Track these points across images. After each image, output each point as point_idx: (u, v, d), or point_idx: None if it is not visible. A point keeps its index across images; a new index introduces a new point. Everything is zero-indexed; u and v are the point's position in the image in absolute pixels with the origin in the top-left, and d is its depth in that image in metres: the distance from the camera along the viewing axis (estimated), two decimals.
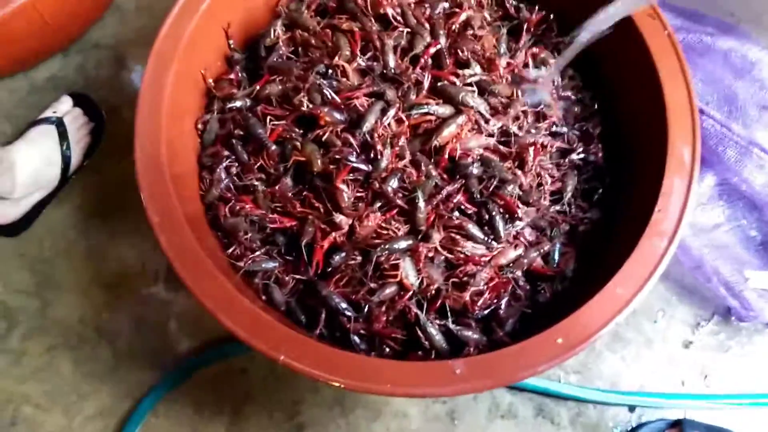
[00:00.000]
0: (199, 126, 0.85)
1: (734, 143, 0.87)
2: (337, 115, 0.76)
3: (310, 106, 0.77)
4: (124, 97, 1.06)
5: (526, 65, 0.84)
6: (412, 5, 0.84)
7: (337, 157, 0.74)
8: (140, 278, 0.92)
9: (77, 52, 1.08)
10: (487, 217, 0.74)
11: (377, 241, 0.72)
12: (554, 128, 0.82)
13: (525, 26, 0.87)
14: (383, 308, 0.73)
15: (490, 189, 0.74)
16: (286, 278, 0.76)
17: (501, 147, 0.77)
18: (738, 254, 0.87)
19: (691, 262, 0.85)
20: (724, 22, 0.94)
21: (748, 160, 0.87)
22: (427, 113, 0.75)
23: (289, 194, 0.77)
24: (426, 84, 0.77)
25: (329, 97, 0.77)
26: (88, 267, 0.93)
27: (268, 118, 0.80)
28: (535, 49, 0.85)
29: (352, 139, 0.75)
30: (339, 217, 0.73)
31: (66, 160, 0.96)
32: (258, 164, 0.79)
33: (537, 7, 0.88)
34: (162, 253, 0.88)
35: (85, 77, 1.07)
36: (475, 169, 0.75)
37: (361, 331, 0.73)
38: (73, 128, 0.98)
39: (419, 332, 0.71)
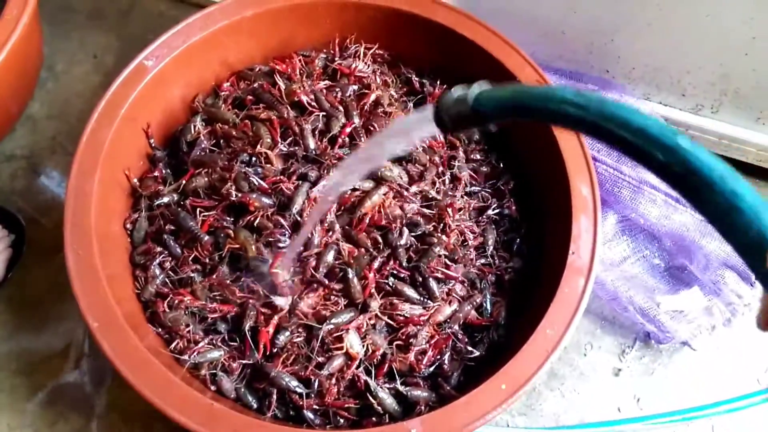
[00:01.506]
0: (128, 226, 0.86)
1: (627, 183, 0.97)
2: (266, 200, 0.80)
3: (239, 194, 0.80)
4: (42, 205, 1.05)
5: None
6: (324, 91, 0.90)
7: (269, 239, 0.77)
8: (79, 389, 0.89)
9: None
10: (420, 279, 0.79)
11: (321, 314, 0.75)
12: (468, 188, 0.89)
13: (429, 99, 0.95)
14: (333, 380, 0.75)
15: (420, 255, 0.80)
16: (234, 365, 0.77)
17: (425, 210, 0.82)
18: (647, 282, 0.96)
19: (608, 294, 0.92)
20: (601, 78, 1.05)
21: (641, 197, 0.96)
22: (353, 189, 0.80)
23: (227, 281, 0.79)
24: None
25: (256, 183, 0.81)
26: (21, 384, 0.90)
27: (198, 210, 0.82)
28: None
29: (283, 221, 0.78)
30: (278, 299, 0.75)
31: None
32: (192, 256, 0.81)
33: (438, 81, 0.96)
34: (99, 359, 0.87)
35: (0, 190, 1.05)
36: (403, 239, 0.80)
37: (314, 407, 0.75)
38: None
39: (371, 398, 0.74)
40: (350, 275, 0.76)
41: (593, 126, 0.37)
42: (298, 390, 0.74)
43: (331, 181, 0.77)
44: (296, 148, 0.84)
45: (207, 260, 0.81)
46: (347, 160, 0.70)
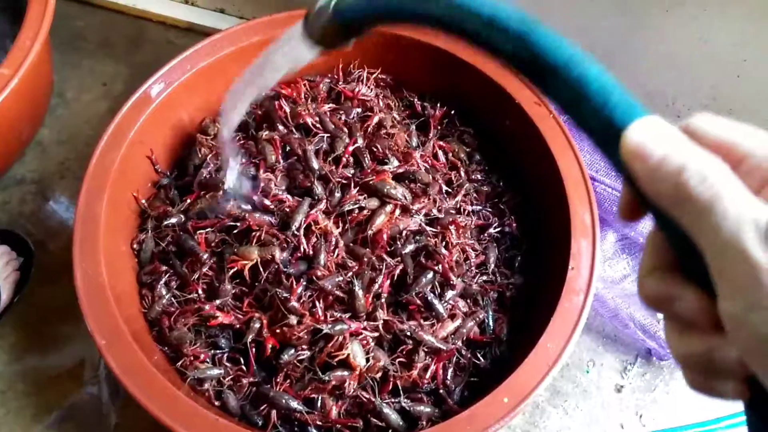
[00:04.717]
0: (135, 246, 0.87)
1: None
2: (266, 217, 0.82)
3: (245, 213, 0.82)
4: (50, 229, 1.06)
5: (435, 155, 0.94)
6: (328, 113, 0.92)
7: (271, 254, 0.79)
8: (85, 407, 0.90)
9: (0, 190, 1.09)
10: (424, 304, 0.80)
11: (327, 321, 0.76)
12: (471, 207, 0.90)
13: (431, 121, 0.98)
14: (336, 399, 0.76)
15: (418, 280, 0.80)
16: (243, 381, 0.78)
17: (428, 228, 0.84)
18: None
19: (608, 312, 0.93)
20: None
21: None
22: (359, 208, 0.82)
23: (230, 295, 0.80)
24: (352, 182, 0.85)
25: (259, 201, 0.82)
26: (28, 405, 0.90)
27: (199, 230, 0.84)
28: (443, 143, 0.95)
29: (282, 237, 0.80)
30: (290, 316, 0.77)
31: None
32: (196, 276, 0.82)
33: (439, 104, 0.99)
34: (106, 377, 0.88)
35: (9, 213, 1.07)
36: (407, 248, 0.82)
37: (318, 422, 0.75)
38: (0, 265, 0.98)
39: (374, 418, 0.75)
40: (356, 288, 0.77)
41: (442, 20, 0.36)
42: (299, 408, 0.74)
43: (222, 113, 0.71)
44: (299, 165, 0.86)
45: (211, 280, 0.82)
46: (231, 90, 0.65)
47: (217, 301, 0.79)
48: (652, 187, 0.28)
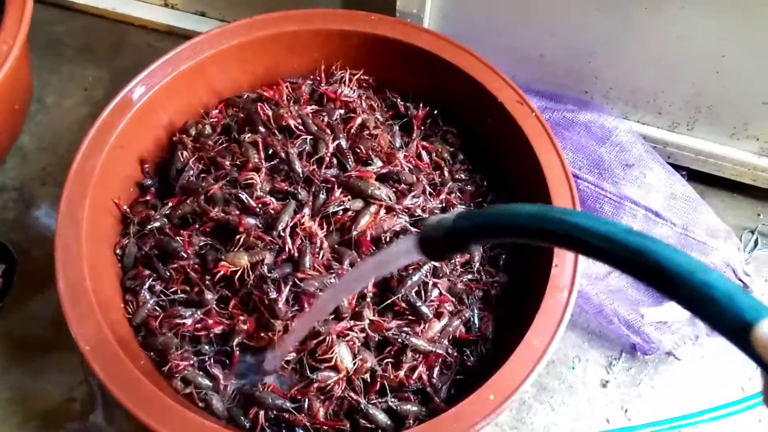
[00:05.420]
0: (117, 251, 0.87)
1: (608, 199, 0.99)
2: (251, 220, 0.81)
3: (228, 216, 0.82)
4: (33, 236, 1.05)
5: (419, 155, 0.94)
6: (310, 115, 0.92)
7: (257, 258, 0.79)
8: (71, 414, 0.89)
9: None
10: (409, 306, 0.80)
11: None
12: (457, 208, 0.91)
13: (414, 122, 0.98)
14: (323, 399, 0.76)
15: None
16: (223, 382, 0.78)
17: (412, 228, 0.84)
18: (631, 295, 0.97)
19: (593, 308, 0.94)
20: (580, 99, 1.08)
21: (622, 212, 0.99)
22: (344, 209, 0.82)
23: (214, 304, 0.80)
24: (336, 183, 0.85)
25: (245, 201, 0.82)
26: (14, 413, 0.89)
27: (186, 233, 0.84)
28: (426, 143, 0.96)
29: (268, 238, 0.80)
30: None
31: None
32: (181, 279, 0.82)
33: (422, 104, 0.99)
34: (90, 384, 0.87)
35: None
36: None
37: (306, 424, 0.75)
38: None
39: (361, 419, 0.75)
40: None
41: (561, 238, 0.39)
42: (287, 407, 0.74)
43: (320, 302, 0.76)
44: (283, 167, 0.86)
45: (195, 285, 0.82)
46: (335, 285, 0.75)
47: (199, 314, 0.79)
48: None
